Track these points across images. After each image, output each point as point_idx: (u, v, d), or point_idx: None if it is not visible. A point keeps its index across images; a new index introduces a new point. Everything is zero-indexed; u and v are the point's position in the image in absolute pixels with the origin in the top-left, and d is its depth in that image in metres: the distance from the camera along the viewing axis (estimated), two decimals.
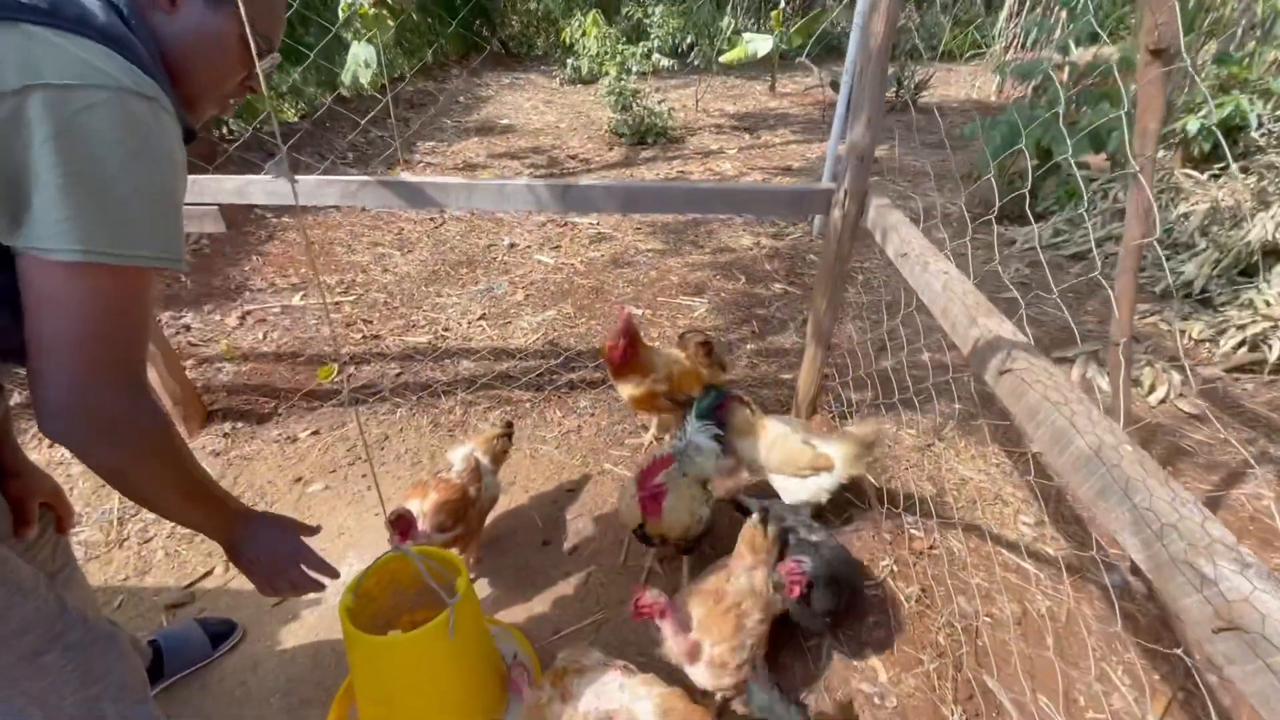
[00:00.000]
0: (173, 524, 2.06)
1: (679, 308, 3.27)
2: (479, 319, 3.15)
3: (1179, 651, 1.43)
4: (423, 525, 1.62)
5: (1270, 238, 2.85)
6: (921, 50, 8.73)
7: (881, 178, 4.81)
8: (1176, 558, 0.70)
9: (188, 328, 3.02)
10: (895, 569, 1.87)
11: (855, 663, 1.64)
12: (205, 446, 2.38)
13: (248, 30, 0.86)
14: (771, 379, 2.72)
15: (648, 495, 1.63)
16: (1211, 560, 0.67)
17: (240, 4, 0.84)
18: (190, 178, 2.01)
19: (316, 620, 1.78)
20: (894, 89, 6.98)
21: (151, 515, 2.10)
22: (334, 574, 1.10)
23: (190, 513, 0.98)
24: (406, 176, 2.01)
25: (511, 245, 3.92)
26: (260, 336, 3.00)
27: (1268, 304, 2.77)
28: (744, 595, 1.42)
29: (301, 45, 4.56)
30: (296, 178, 2.01)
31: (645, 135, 5.94)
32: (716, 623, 1.36)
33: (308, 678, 1.64)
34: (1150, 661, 1.63)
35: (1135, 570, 1.83)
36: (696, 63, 8.10)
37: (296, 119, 5.95)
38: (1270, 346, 2.63)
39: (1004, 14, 7.94)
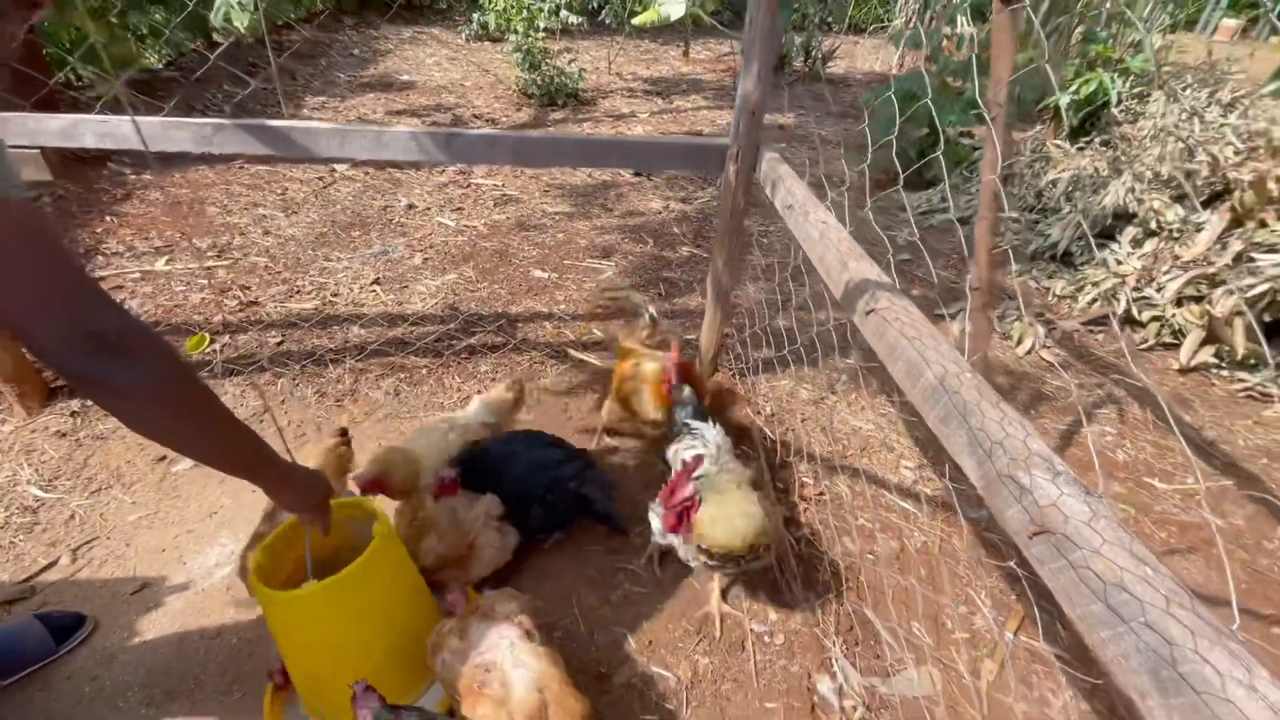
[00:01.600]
0: (4, 509, 1.83)
1: (587, 270, 3.21)
2: (372, 284, 2.97)
3: (1013, 564, 1.57)
4: None
5: (1122, 202, 3.13)
6: (830, 22, 8.93)
7: (789, 145, 4.90)
8: (1001, 473, 0.74)
9: None
10: (787, 514, 1.94)
11: (747, 603, 1.70)
12: (49, 427, 2.13)
13: None
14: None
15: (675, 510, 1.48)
16: (1029, 472, 0.71)
17: None
18: (3, 116, 1.74)
19: (182, 606, 1.65)
20: (803, 59, 7.11)
21: None
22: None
23: (226, 450, 0.92)
24: (272, 121, 1.82)
25: (409, 206, 3.70)
26: None
27: (1118, 262, 3.05)
28: None
29: None
30: (141, 119, 1.78)
31: (555, 96, 5.74)
32: None
33: (172, 668, 1.51)
34: (1009, 585, 1.78)
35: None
36: (608, 22, 7.89)
37: (161, 65, 5.33)
38: (1118, 300, 2.91)
39: None
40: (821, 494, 2.01)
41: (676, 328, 2.81)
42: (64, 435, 2.11)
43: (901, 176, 2.00)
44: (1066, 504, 0.66)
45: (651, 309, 2.14)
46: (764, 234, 3.67)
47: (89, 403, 2.21)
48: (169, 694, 1.47)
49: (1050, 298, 3.15)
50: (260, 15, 4.69)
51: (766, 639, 1.63)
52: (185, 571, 1.73)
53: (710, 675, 1.55)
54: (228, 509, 1.91)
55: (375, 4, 8.24)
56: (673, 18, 6.86)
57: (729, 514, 1.43)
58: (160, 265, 2.96)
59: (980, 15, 6.10)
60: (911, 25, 7.26)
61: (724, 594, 1.71)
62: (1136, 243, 3.08)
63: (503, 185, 4.07)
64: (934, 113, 1.64)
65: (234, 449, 0.93)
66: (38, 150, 1.78)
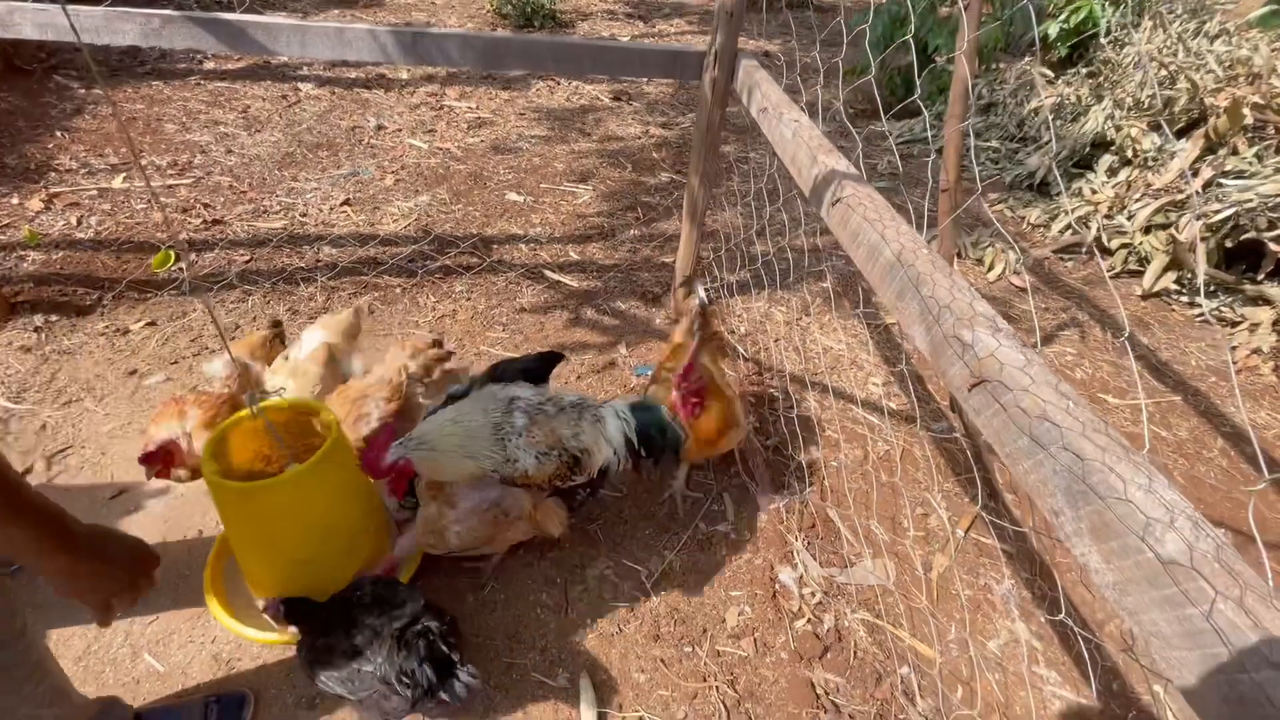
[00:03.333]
0: None
1: (563, 194, 3.16)
2: (342, 204, 2.89)
3: (958, 435, 1.65)
4: (189, 447, 1.47)
5: (1100, 128, 3.13)
6: None
7: (773, 71, 4.76)
8: (948, 334, 0.77)
9: None
10: (757, 425, 2.00)
11: (714, 507, 1.78)
12: (12, 343, 2.09)
13: None
14: (654, 263, 2.73)
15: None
16: (972, 329, 0.74)
17: None
18: None
19: (163, 509, 1.68)
20: None
21: None
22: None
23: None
24: (226, 15, 1.72)
25: (379, 127, 3.57)
26: (74, 222, 2.59)
27: (1093, 191, 3.07)
28: None
29: None
30: (80, 7, 1.67)
31: (532, 18, 5.47)
32: None
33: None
34: (963, 489, 1.88)
35: (954, 409, 2.07)
36: None
37: None
38: (1089, 228, 2.95)
39: None
40: (791, 407, 2.07)
41: (653, 252, 2.79)
42: (28, 350, 2.07)
43: (881, 106, 1.97)
44: (1003, 353, 0.70)
45: (702, 293, 1.89)
46: (743, 159, 3.62)
47: (54, 318, 2.17)
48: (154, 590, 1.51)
49: (1024, 226, 3.18)
50: None
51: (732, 537, 1.71)
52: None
53: (679, 569, 1.63)
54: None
55: None
56: None
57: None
58: (118, 183, 2.85)
59: None
60: None
61: (687, 481, 1.79)
62: (1112, 171, 3.10)
63: (477, 108, 3.92)
64: (905, 30, 1.60)
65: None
66: None
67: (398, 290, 2.44)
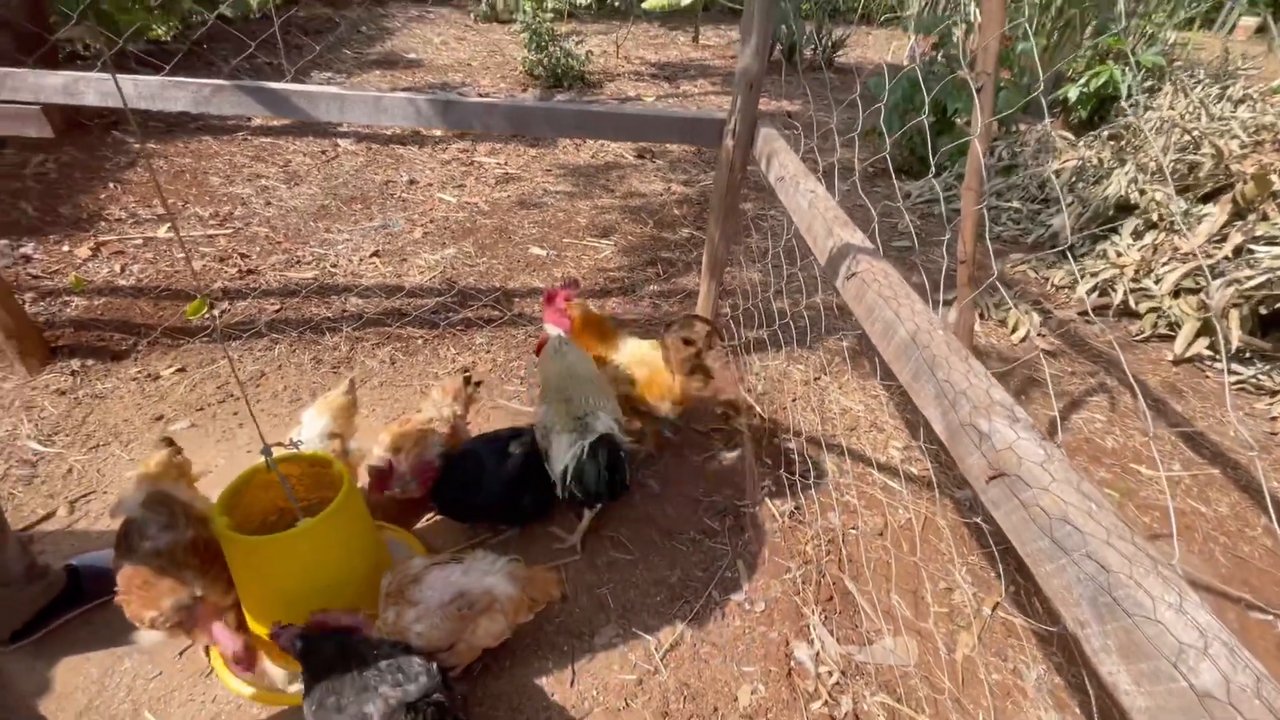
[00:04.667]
0: (5, 469, 1.87)
1: (586, 249, 3.22)
2: (371, 256, 2.98)
3: (979, 519, 1.58)
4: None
5: (1124, 193, 3.12)
6: (842, 10, 8.85)
7: (794, 133, 4.87)
8: (964, 421, 0.76)
9: (28, 258, 2.68)
10: (773, 488, 1.96)
11: (729, 574, 1.72)
12: (49, 385, 2.16)
13: None
14: (672, 319, 2.74)
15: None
16: (989, 418, 0.72)
17: None
18: (3, 71, 1.76)
19: None
20: (812, 48, 7.05)
21: None
22: None
23: None
24: (272, 84, 1.83)
25: (411, 182, 3.71)
26: (117, 269, 2.71)
27: (1118, 254, 3.04)
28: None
29: None
30: (138, 77, 1.79)
31: (561, 78, 5.72)
32: None
33: None
34: (988, 564, 1.80)
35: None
36: (618, 5, 7.84)
37: (169, 38, 5.33)
38: (1115, 291, 2.91)
39: None
40: (809, 471, 2.02)
41: (672, 306, 2.81)
42: (63, 393, 2.14)
43: (887, 162, 2.00)
44: (1022, 447, 0.68)
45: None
46: (762, 218, 3.67)
47: (90, 362, 2.24)
48: (162, 639, 1.50)
49: (1049, 287, 3.14)
50: None
51: (746, 606, 1.65)
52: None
53: (689, 639, 1.57)
54: (222, 468, 1.93)
55: None
56: (684, 3, 6.83)
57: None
58: (163, 232, 2.99)
59: None
60: (928, 14, 7.20)
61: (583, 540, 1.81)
62: (1137, 234, 3.07)
63: (505, 164, 4.07)
64: (924, 93, 1.64)
65: None
66: (39, 107, 1.79)
67: (419, 341, 2.48)
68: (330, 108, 1.84)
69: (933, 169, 3.23)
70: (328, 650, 1.18)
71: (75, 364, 2.23)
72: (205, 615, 1.31)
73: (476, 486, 1.66)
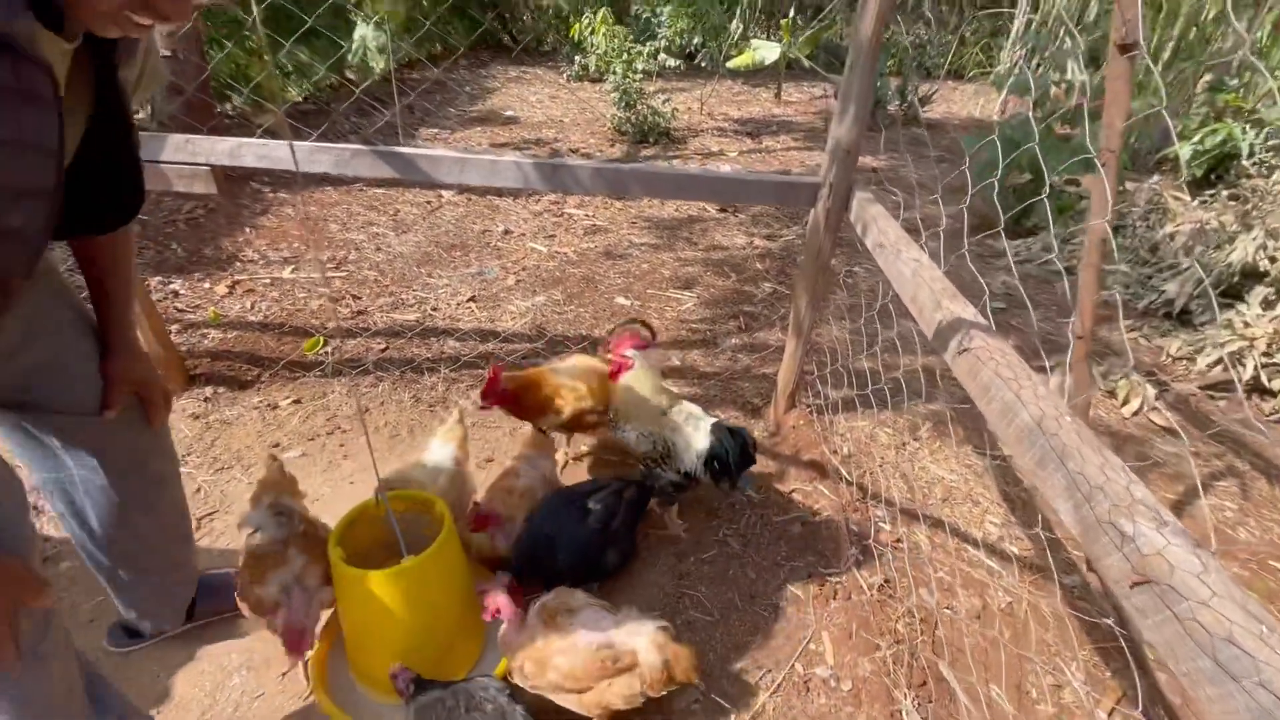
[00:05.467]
0: None
1: (668, 300, 3.29)
2: (468, 300, 3.17)
3: (1109, 621, 1.45)
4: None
5: (1251, 259, 2.89)
6: (931, 66, 8.83)
7: (881, 188, 4.85)
8: (1101, 518, 0.72)
9: (176, 293, 3.02)
10: (860, 558, 1.88)
11: (813, 647, 1.66)
12: (185, 409, 2.39)
13: None
14: (754, 374, 2.74)
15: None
16: (1132, 519, 0.69)
17: None
18: (183, 137, 2.04)
19: None
20: (899, 103, 7.05)
21: None
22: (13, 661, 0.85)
23: None
24: (400, 148, 2.03)
25: (506, 232, 3.94)
26: (248, 306, 3.01)
27: (1246, 324, 2.80)
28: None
29: (307, 21, 4.59)
30: (297, 143, 2.02)
31: (648, 134, 5.97)
32: None
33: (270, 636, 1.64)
34: (1104, 659, 1.65)
35: (1091, 567, 1.85)
36: (704, 64, 8.15)
37: (300, 99, 5.97)
38: (1244, 365, 2.67)
39: (1013, 34, 8.04)
40: (899, 541, 1.94)
41: (753, 361, 2.81)
42: (197, 417, 2.36)
43: (1002, 220, 1.95)
44: (1173, 554, 0.64)
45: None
46: (849, 274, 3.64)
47: (220, 390, 2.48)
48: (266, 660, 1.60)
49: (1163, 357, 2.92)
50: (390, 57, 5.21)
51: (832, 684, 1.58)
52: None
53: (770, 711, 1.52)
54: (326, 497, 2.07)
55: (487, 45, 8.92)
56: (767, 62, 7.02)
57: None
58: (287, 273, 3.30)
59: (1093, 62, 5.86)
60: (1017, 70, 7.06)
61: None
62: (1268, 304, 2.83)
63: (593, 215, 4.25)
64: (1039, 158, 1.61)
65: None
66: (208, 167, 2.06)
67: None
68: (451, 170, 2.01)
69: (1050, 231, 3.12)
70: (438, 694, 1.22)
71: (209, 391, 2.47)
72: (299, 605, 1.44)
73: (558, 547, 1.66)
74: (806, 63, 6.94)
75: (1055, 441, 0.82)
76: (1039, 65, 7.18)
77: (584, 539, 1.66)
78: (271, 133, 3.60)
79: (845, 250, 3.85)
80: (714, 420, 1.84)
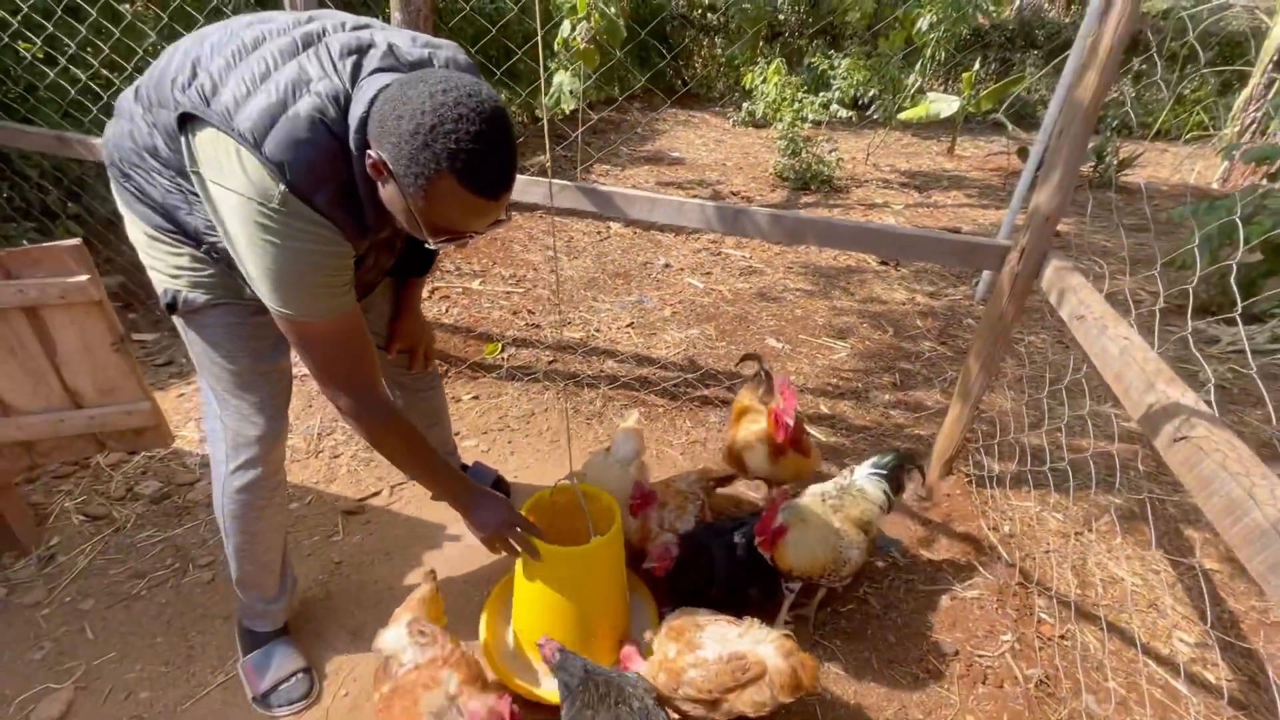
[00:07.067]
0: (356, 445, 2.45)
1: (820, 347, 3.29)
2: (627, 326, 3.39)
3: None
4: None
5: None
6: (1134, 126, 8.01)
7: (1065, 253, 4.48)
8: None
9: None
10: (1017, 647, 1.75)
11: None
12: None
13: (418, 219, 1.07)
14: (905, 433, 2.65)
15: (767, 537, 1.67)
16: None
17: (410, 202, 1.04)
18: None
19: (454, 553, 2.03)
20: (1092, 164, 6.47)
21: (341, 436, 2.50)
22: (535, 552, 1.47)
23: (425, 481, 1.51)
24: (598, 185, 2.27)
25: (666, 265, 4.16)
26: (443, 310, 3.45)
27: None
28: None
29: (512, 71, 5.22)
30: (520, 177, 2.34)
31: (810, 182, 6.01)
32: None
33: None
34: None
35: None
36: (875, 116, 8.05)
37: None
38: None
39: (1246, 93, 7.09)
40: (1064, 637, 1.78)
41: (907, 420, 2.72)
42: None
43: (1239, 303, 1.75)
44: None
45: (765, 366, 2.16)
46: (1017, 341, 3.40)
47: None
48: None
49: None
50: (581, 100, 5.76)
51: None
52: (459, 527, 2.13)
53: None
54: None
55: (661, 88, 9.49)
56: (943, 115, 6.80)
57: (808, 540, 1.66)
58: (476, 285, 3.74)
59: None
60: (1250, 137, 6.21)
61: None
62: None
63: (749, 257, 4.36)
64: (1277, 240, 1.45)
65: (423, 475, 1.47)
66: None
67: (660, 410, 2.73)
68: (641, 208, 2.21)
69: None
70: (585, 672, 1.33)
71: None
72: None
73: (709, 575, 1.73)
74: (1001, 118, 6.62)
75: None
76: (1277, 133, 6.27)
77: (734, 568, 1.72)
78: None
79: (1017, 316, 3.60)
80: (869, 469, 1.85)
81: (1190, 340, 1.35)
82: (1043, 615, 1.85)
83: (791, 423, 1.89)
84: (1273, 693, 1.58)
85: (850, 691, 1.65)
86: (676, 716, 1.43)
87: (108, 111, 1.38)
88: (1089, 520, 2.23)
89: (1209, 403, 1.10)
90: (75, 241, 1.60)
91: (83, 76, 2.98)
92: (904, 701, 1.63)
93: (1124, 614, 1.89)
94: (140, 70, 2.50)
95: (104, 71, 2.97)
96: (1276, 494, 0.85)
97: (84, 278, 1.57)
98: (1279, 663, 1.76)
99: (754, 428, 2.01)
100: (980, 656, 1.74)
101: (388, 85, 1.04)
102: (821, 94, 6.84)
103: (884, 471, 1.85)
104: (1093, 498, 2.31)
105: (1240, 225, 1.71)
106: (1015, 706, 1.62)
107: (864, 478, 1.83)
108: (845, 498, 1.77)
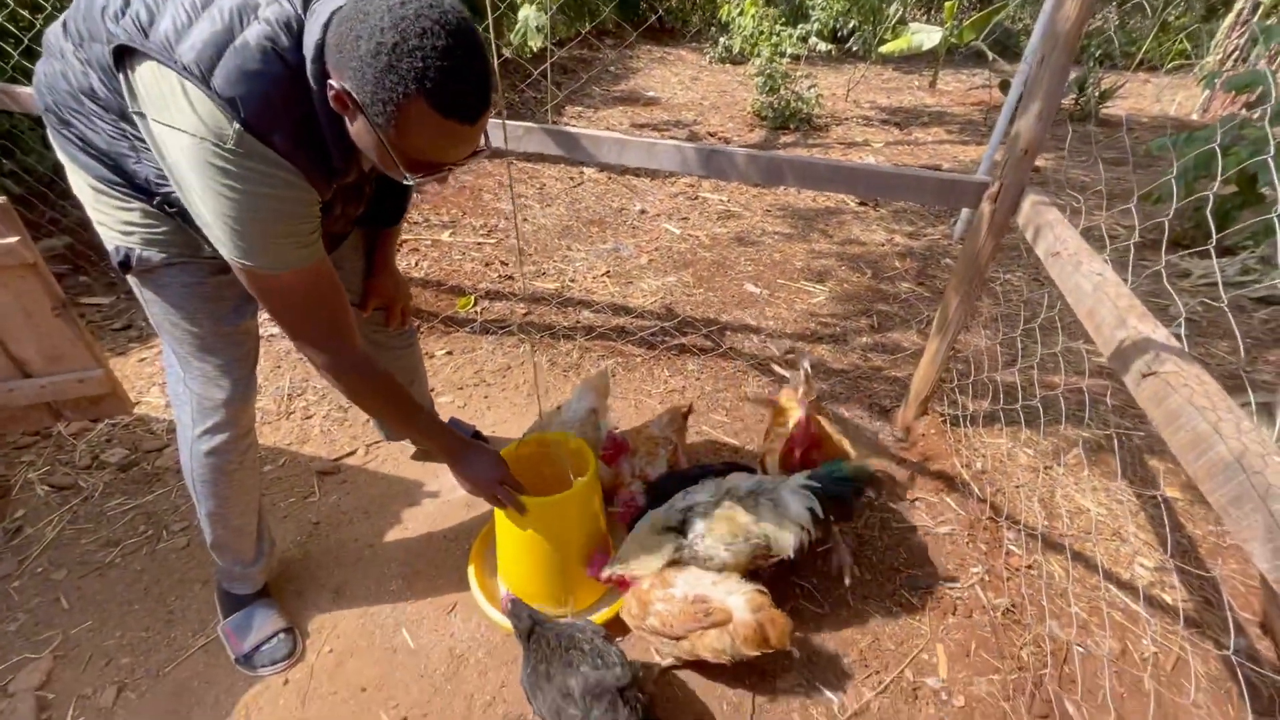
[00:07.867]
0: (329, 405, 2.40)
1: (798, 292, 3.26)
2: (603, 275, 3.32)
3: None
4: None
5: None
6: (1116, 56, 7.85)
7: (1043, 189, 4.44)
8: None
9: None
10: (985, 578, 1.81)
11: (925, 657, 1.63)
12: None
13: (391, 154, 0.96)
14: (884, 375, 2.67)
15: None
16: None
17: (380, 135, 0.94)
18: None
19: (433, 509, 2.03)
20: (1073, 96, 6.35)
21: (313, 396, 2.45)
22: (521, 507, 1.47)
23: (411, 434, 1.50)
24: (566, 127, 2.16)
25: (642, 211, 4.05)
26: (412, 263, 3.34)
27: None
28: None
29: (471, 5, 4.92)
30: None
31: (788, 120, 5.84)
32: None
33: (421, 554, 1.88)
34: None
35: (1266, 629, 1.66)
36: (855, 49, 7.78)
37: None
38: None
39: (1230, 18, 6.95)
40: (1030, 567, 1.84)
41: (883, 363, 2.73)
42: None
43: (1214, 235, 1.74)
44: None
45: (808, 364, 1.97)
46: (993, 279, 3.40)
47: None
48: (416, 573, 1.83)
49: None
50: (547, 36, 5.46)
51: (943, 696, 1.55)
52: (437, 484, 2.12)
53: (875, 710, 1.52)
54: None
55: (634, 23, 9.05)
56: (925, 47, 6.59)
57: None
58: (445, 236, 3.62)
59: None
60: (1232, 65, 6.12)
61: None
62: None
63: (727, 201, 4.26)
64: (1272, 168, 1.42)
65: (409, 429, 1.41)
66: None
67: (637, 359, 2.71)
68: (611, 150, 2.11)
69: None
70: (541, 623, 1.36)
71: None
72: None
73: None
74: (982, 48, 6.42)
75: (1258, 480, 0.77)
76: (1259, 60, 6.18)
77: None
78: None
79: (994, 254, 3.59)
80: (801, 485, 1.59)
81: (1164, 274, 1.33)
82: (1011, 547, 1.91)
83: (799, 453, 1.79)
84: (1225, 611, 1.66)
85: (825, 627, 1.70)
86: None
87: (30, 56, 1.25)
88: (1058, 454, 2.28)
89: (1179, 337, 1.09)
90: (0, 200, 1.49)
91: None
92: (877, 634, 1.69)
93: (1089, 543, 1.96)
94: (65, 4, 2.29)
95: (21, 11, 2.73)
96: (1242, 428, 0.85)
97: (13, 239, 1.47)
98: (1233, 584, 1.84)
99: (781, 430, 1.91)
100: (950, 588, 1.79)
101: (341, 6, 0.94)
102: (800, 26, 6.56)
103: (817, 485, 1.57)
104: (1063, 433, 2.36)
105: (1220, 155, 1.68)
106: (983, 634, 1.68)
107: (792, 489, 1.59)
108: (739, 506, 1.55)
